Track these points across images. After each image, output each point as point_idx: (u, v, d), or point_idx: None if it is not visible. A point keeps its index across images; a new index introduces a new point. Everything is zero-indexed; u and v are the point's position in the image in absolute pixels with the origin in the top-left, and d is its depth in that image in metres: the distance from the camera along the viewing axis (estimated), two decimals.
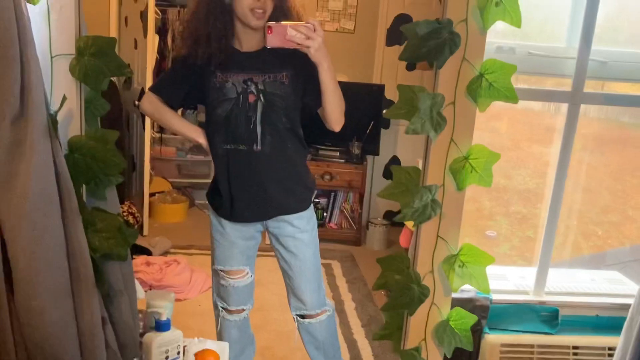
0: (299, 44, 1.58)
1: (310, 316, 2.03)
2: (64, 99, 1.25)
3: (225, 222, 1.94)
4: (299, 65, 1.77)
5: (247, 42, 1.81)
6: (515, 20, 1.41)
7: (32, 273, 1.23)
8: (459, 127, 1.49)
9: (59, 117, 1.29)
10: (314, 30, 1.58)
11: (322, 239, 4.03)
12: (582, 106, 2.90)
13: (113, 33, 4.12)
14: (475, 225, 4.01)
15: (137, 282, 1.85)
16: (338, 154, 4.15)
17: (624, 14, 2.11)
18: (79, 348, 1.33)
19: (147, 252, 3.61)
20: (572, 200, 3.98)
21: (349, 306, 3.27)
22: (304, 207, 1.96)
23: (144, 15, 3.81)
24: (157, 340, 1.65)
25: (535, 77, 1.71)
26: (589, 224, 3.99)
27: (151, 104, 1.92)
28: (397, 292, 1.54)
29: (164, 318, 1.71)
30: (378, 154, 4.22)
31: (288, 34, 1.56)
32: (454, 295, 1.60)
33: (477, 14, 1.42)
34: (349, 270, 3.73)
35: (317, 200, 4.21)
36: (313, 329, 2.04)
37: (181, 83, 1.89)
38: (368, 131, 4.06)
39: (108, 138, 1.41)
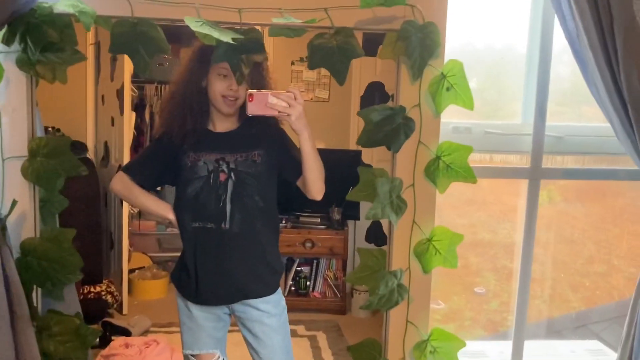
0: (279, 112, 1.58)
1: None
2: (14, 203, 1.23)
3: (191, 305, 1.89)
4: (271, 144, 1.77)
5: (220, 123, 1.82)
6: (467, 103, 1.43)
7: None
8: (420, 209, 1.48)
9: (11, 220, 1.27)
10: (295, 98, 1.59)
11: (306, 309, 4.02)
12: (559, 157, 2.91)
13: (90, 112, 4.17)
14: (462, 282, 3.95)
15: None
16: (319, 220, 4.12)
17: (576, 90, 2.17)
18: None
19: (126, 332, 3.51)
20: (557, 251, 3.96)
21: None
22: (270, 292, 1.90)
23: (120, 93, 3.86)
24: None
25: (494, 155, 1.73)
26: (576, 276, 3.95)
27: (122, 183, 1.90)
28: None
29: None
30: (359, 219, 4.20)
31: (269, 102, 1.56)
32: None
33: (430, 99, 1.44)
34: (334, 341, 3.63)
35: (299, 269, 4.15)
36: None
37: (154, 164, 1.88)
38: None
39: (63, 237, 1.38)
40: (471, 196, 4.13)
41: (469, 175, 1.46)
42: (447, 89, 1.41)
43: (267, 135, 1.73)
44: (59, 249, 1.37)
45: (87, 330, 1.45)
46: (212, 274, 1.81)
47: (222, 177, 1.78)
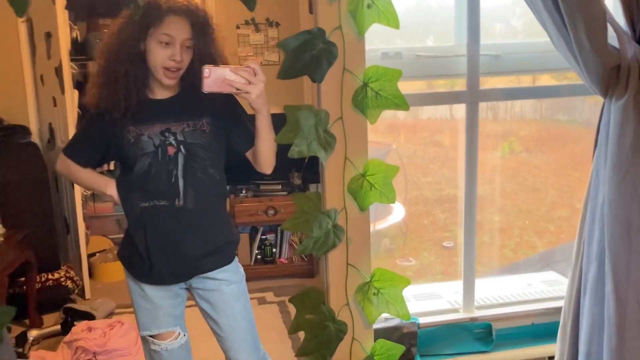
0: (238, 89, 1.48)
1: None
2: None
3: (144, 285, 1.78)
4: (219, 111, 1.66)
5: (160, 90, 1.69)
6: (392, 21, 1.31)
7: None
8: (351, 143, 1.37)
9: None
10: (255, 74, 1.49)
11: (274, 276, 3.94)
12: (517, 109, 2.83)
13: (30, 93, 3.98)
14: (431, 238, 3.95)
15: None
16: (280, 187, 4.03)
17: (506, 21, 2.10)
18: None
19: (90, 316, 3.41)
20: (522, 200, 3.97)
21: None
22: (228, 262, 1.81)
23: (59, 72, 3.66)
24: None
25: (431, 83, 1.62)
26: (541, 222, 3.98)
27: (64, 164, 1.79)
28: (312, 333, 1.39)
29: None
30: (319, 182, 4.11)
31: (227, 78, 1.46)
32: (378, 325, 1.47)
33: (351, 20, 1.32)
34: None
35: (264, 237, 4.08)
36: None
37: (93, 143, 1.74)
38: (306, 160, 3.94)
39: None
40: (434, 154, 4.12)
41: (400, 102, 1.35)
42: (368, 7, 1.29)
43: (213, 100, 1.61)
44: None
45: (2, 308, 1.32)
46: (167, 253, 1.71)
47: (171, 150, 1.66)
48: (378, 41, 1.39)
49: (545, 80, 1.91)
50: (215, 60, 1.66)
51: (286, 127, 1.37)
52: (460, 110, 3.47)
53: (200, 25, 1.65)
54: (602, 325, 1.33)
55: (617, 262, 1.29)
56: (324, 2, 1.31)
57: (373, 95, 1.34)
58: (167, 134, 1.66)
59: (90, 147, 1.75)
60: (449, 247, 3.63)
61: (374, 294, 1.37)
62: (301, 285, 3.85)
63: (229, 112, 1.68)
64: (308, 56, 1.31)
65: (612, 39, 1.34)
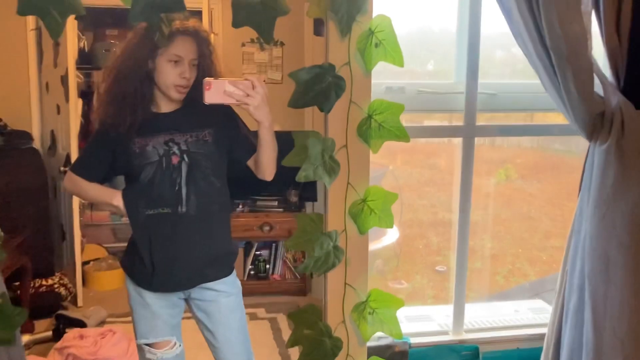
0: (237, 101, 1.55)
1: None
2: None
3: (145, 293, 1.83)
4: (219, 123, 1.74)
5: (165, 104, 1.77)
6: (397, 60, 1.41)
7: None
8: (354, 170, 1.46)
9: None
10: (253, 87, 1.55)
11: (267, 292, 3.99)
12: (515, 138, 2.93)
13: (34, 100, 4.04)
14: (424, 261, 3.99)
15: None
16: (276, 203, 4.10)
17: (507, 49, 2.19)
18: None
19: (82, 324, 3.43)
20: (516, 228, 4.03)
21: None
22: (228, 273, 1.88)
23: (64, 80, 3.74)
24: None
25: (430, 114, 1.72)
26: (534, 250, 4.03)
27: (71, 182, 1.84)
28: (309, 347, 1.46)
29: None
30: (316, 200, 4.18)
31: (226, 90, 1.52)
32: (372, 343, 1.54)
33: (359, 57, 1.42)
34: None
35: (258, 252, 4.13)
36: None
37: (100, 159, 1.81)
38: None
39: None
40: (430, 177, 4.18)
41: (401, 134, 1.44)
42: (376, 45, 1.38)
43: (214, 112, 1.69)
44: None
45: (13, 310, 1.38)
46: (169, 260, 1.77)
47: (175, 159, 1.73)
48: (383, 76, 1.48)
49: (541, 116, 2.01)
50: (217, 76, 1.75)
51: (294, 151, 1.45)
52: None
53: (205, 45, 1.75)
54: (580, 351, 1.42)
55: (596, 293, 1.38)
56: (334, 39, 1.40)
57: (376, 126, 1.43)
58: (170, 144, 1.74)
59: (97, 162, 1.82)
60: (441, 271, 3.67)
61: (370, 313, 1.45)
62: (293, 302, 3.89)
63: (229, 123, 1.75)
64: (318, 88, 1.40)
65: (598, 87, 1.45)
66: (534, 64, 1.42)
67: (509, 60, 2.36)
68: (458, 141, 2.47)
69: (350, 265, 1.48)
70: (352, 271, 1.48)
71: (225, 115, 1.76)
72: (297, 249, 1.47)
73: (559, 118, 2.04)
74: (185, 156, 1.73)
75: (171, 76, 1.69)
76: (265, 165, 1.74)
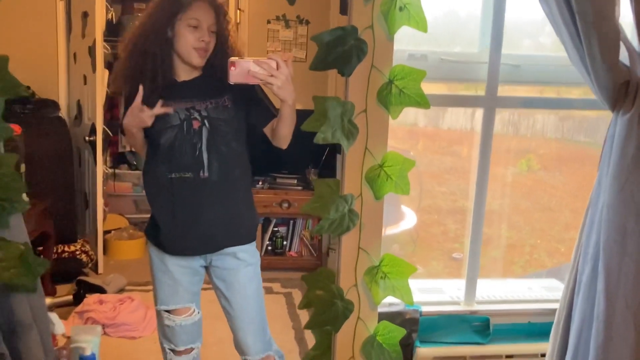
0: (262, 80, 1.56)
1: None
2: None
3: (167, 260, 1.87)
4: (239, 88, 1.75)
5: (184, 73, 1.80)
6: (420, 25, 1.40)
7: None
8: (372, 135, 1.46)
9: None
10: (277, 67, 1.57)
11: (283, 267, 4.02)
12: (539, 126, 2.87)
13: (62, 70, 4.10)
14: (441, 248, 3.98)
15: (56, 317, 1.77)
16: (295, 181, 4.12)
17: (533, 20, 2.14)
18: None
19: (101, 290, 3.51)
20: (535, 219, 3.98)
21: (310, 336, 3.17)
22: (251, 239, 1.91)
23: (92, 51, 3.79)
24: None
25: (450, 83, 1.70)
26: (552, 242, 3.99)
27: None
28: (321, 308, 1.48)
29: (87, 353, 1.63)
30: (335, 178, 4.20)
31: (251, 70, 1.54)
32: (383, 309, 1.55)
33: (383, 20, 1.41)
34: None
35: (276, 229, 4.16)
36: None
37: None
38: (323, 158, 4.04)
39: (5, 162, 1.35)
40: (451, 165, 4.15)
41: (422, 100, 1.43)
42: (400, 9, 1.38)
43: None
44: (0, 173, 1.33)
45: (36, 260, 1.42)
46: (193, 224, 1.80)
47: (196, 124, 1.77)
48: (406, 42, 1.47)
49: (569, 94, 1.97)
50: (232, 47, 1.78)
51: (313, 116, 1.46)
52: (480, 122, 3.47)
53: (222, 14, 1.79)
54: (591, 323, 1.41)
55: (610, 263, 1.37)
56: (358, 2, 1.40)
57: (397, 92, 1.43)
58: (191, 110, 1.77)
59: None
60: (458, 258, 3.64)
61: (382, 277, 1.46)
62: None
63: (247, 90, 1.76)
64: (340, 51, 1.40)
65: (624, 57, 1.42)
66: (559, 29, 1.40)
67: (537, 49, 2.32)
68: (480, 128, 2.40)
69: (365, 230, 1.48)
70: (366, 235, 1.49)
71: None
72: (314, 213, 1.48)
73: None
74: (205, 121, 1.76)
75: (190, 39, 1.73)
76: (282, 136, 1.77)
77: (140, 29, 1.78)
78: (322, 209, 1.49)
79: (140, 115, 1.71)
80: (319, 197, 1.51)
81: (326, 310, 1.48)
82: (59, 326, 1.83)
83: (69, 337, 2.03)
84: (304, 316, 3.41)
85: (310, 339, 3.14)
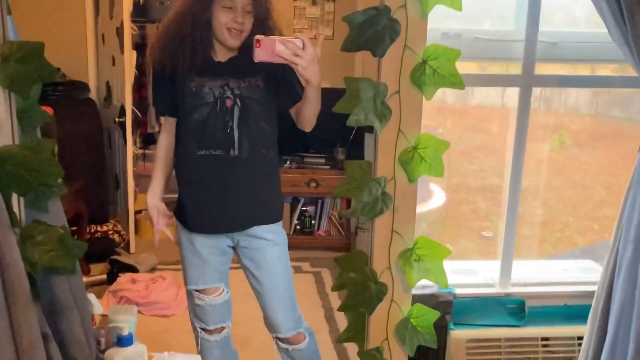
0: (287, 59, 1.55)
1: (287, 340, 1.96)
2: None
3: (196, 240, 1.90)
4: (271, 68, 1.75)
5: (222, 53, 1.82)
6: (455, 3, 1.36)
7: None
8: (405, 116, 1.43)
9: None
10: (303, 47, 1.55)
11: (312, 247, 4.05)
12: (572, 101, 2.80)
13: (91, 51, 4.14)
14: (471, 226, 3.95)
15: (94, 298, 1.81)
16: (323, 160, 4.12)
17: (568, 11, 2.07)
18: None
19: (134, 269, 3.58)
20: (567, 196, 3.92)
21: (339, 314, 3.20)
22: (278, 218, 1.92)
23: (120, 32, 3.81)
24: (119, 356, 1.61)
25: (485, 62, 1.66)
26: (585, 219, 3.91)
27: (168, 133, 1.91)
28: (354, 291, 1.48)
29: (125, 332, 1.67)
30: (363, 159, 4.16)
31: (277, 49, 1.53)
32: (416, 291, 1.55)
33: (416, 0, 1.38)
34: None
35: (304, 208, 4.17)
36: (292, 353, 1.98)
37: (165, 90, 1.87)
38: (352, 136, 4.02)
39: (43, 147, 1.37)
40: (481, 142, 4.08)
41: (456, 80, 1.40)
42: None
43: None
44: (39, 158, 1.35)
45: (74, 242, 1.45)
46: (220, 201, 1.82)
47: (229, 102, 1.78)
48: (438, 21, 1.43)
49: (604, 71, 1.91)
50: (272, 27, 1.77)
51: (345, 97, 1.44)
52: (511, 98, 3.39)
53: None
54: (632, 308, 1.38)
55: None
56: None
57: (431, 72, 1.40)
58: (225, 87, 1.77)
59: (162, 96, 1.90)
60: (488, 236, 3.60)
61: (416, 260, 1.45)
62: None
63: (279, 70, 1.75)
64: (372, 31, 1.37)
65: None
66: (600, 6, 1.34)
67: (570, 22, 2.24)
68: (512, 104, 2.34)
69: (398, 213, 1.47)
70: (399, 218, 1.48)
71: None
72: (346, 195, 1.47)
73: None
74: (238, 100, 1.77)
75: (224, 20, 1.73)
76: (307, 118, 1.76)
77: (180, 8, 1.80)
78: (355, 191, 1.48)
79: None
80: (352, 180, 1.50)
81: (360, 293, 1.48)
82: (97, 306, 1.88)
83: (105, 316, 2.08)
84: (334, 296, 3.44)
85: (339, 318, 3.16)
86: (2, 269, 1.25)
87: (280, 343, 1.98)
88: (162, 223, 1.94)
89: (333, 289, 1.52)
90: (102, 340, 1.76)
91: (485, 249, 3.65)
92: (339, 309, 1.54)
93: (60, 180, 1.41)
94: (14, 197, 1.36)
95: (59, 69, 3.76)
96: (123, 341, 1.64)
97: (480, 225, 3.79)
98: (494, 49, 1.63)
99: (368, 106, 1.39)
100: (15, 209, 1.36)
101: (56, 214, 1.48)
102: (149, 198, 1.94)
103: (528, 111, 1.62)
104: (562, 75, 1.79)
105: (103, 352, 1.67)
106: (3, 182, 1.29)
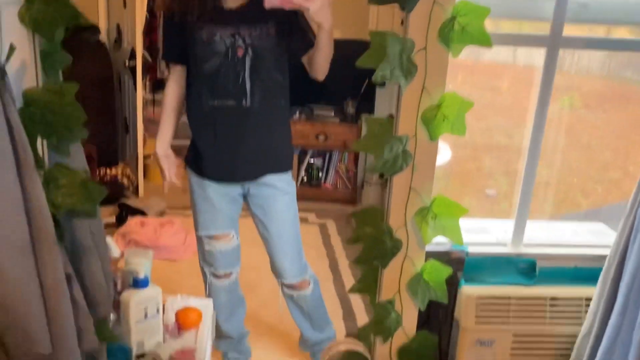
0: (298, 4, 1.52)
1: (293, 287, 2.01)
2: (12, 48, 1.19)
3: (207, 186, 1.91)
4: (282, 15, 1.72)
5: (231, 0, 1.77)
6: None
7: None
8: (431, 74, 1.42)
9: (10, 69, 1.24)
10: None
11: (318, 199, 4.07)
12: (585, 62, 2.75)
13: None
14: (475, 184, 3.96)
15: (111, 241, 1.84)
16: (332, 113, 4.08)
17: None
18: (43, 305, 1.32)
19: (142, 213, 3.62)
20: (573, 158, 3.91)
21: (343, 265, 3.27)
22: (288, 167, 1.93)
23: None
24: (135, 298, 1.65)
25: (514, 22, 1.63)
26: (589, 182, 3.92)
27: (176, 82, 1.89)
28: (370, 245, 1.51)
29: (141, 275, 1.70)
30: (373, 113, 4.15)
31: None
32: (430, 248, 1.57)
33: None
34: (343, 229, 3.72)
35: (312, 161, 4.18)
36: (297, 299, 2.03)
37: (175, 38, 1.84)
38: (363, 90, 3.97)
39: (66, 91, 1.36)
40: (491, 100, 4.04)
41: (484, 39, 1.39)
42: None
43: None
44: (62, 102, 1.36)
45: (94, 187, 1.47)
46: (233, 151, 1.83)
47: (240, 52, 1.75)
48: None
49: (630, 35, 1.85)
50: None
51: (369, 51, 1.43)
52: (523, 56, 3.29)
53: None
54: None
55: None
56: None
57: (459, 29, 1.38)
58: (236, 36, 1.75)
59: (172, 44, 1.87)
60: (491, 194, 3.61)
61: (432, 218, 1.47)
62: (343, 210, 3.97)
63: (290, 18, 1.73)
64: None
65: None
66: None
67: None
68: (524, 62, 2.26)
69: (417, 171, 1.48)
70: (418, 176, 1.49)
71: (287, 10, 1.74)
72: (365, 150, 1.48)
73: None
74: (249, 49, 1.75)
75: None
76: (319, 65, 1.74)
77: None
78: (374, 147, 1.48)
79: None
80: (371, 135, 1.50)
81: (375, 248, 1.51)
82: (114, 250, 1.91)
83: (121, 258, 2.12)
84: (338, 246, 3.49)
85: (343, 268, 3.22)
86: (27, 209, 1.27)
87: (285, 289, 2.03)
88: (172, 172, 1.95)
89: (349, 243, 1.55)
90: (119, 282, 1.79)
91: (488, 206, 3.68)
92: (354, 262, 1.57)
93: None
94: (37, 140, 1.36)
95: None
96: (139, 283, 1.67)
97: (484, 184, 3.80)
98: (523, 8, 1.60)
99: (394, 62, 1.38)
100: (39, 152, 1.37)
101: (78, 158, 1.49)
102: (158, 148, 1.95)
103: (553, 74, 1.60)
104: (591, 37, 1.76)
105: (119, 293, 1.71)
106: (28, 124, 1.29)
